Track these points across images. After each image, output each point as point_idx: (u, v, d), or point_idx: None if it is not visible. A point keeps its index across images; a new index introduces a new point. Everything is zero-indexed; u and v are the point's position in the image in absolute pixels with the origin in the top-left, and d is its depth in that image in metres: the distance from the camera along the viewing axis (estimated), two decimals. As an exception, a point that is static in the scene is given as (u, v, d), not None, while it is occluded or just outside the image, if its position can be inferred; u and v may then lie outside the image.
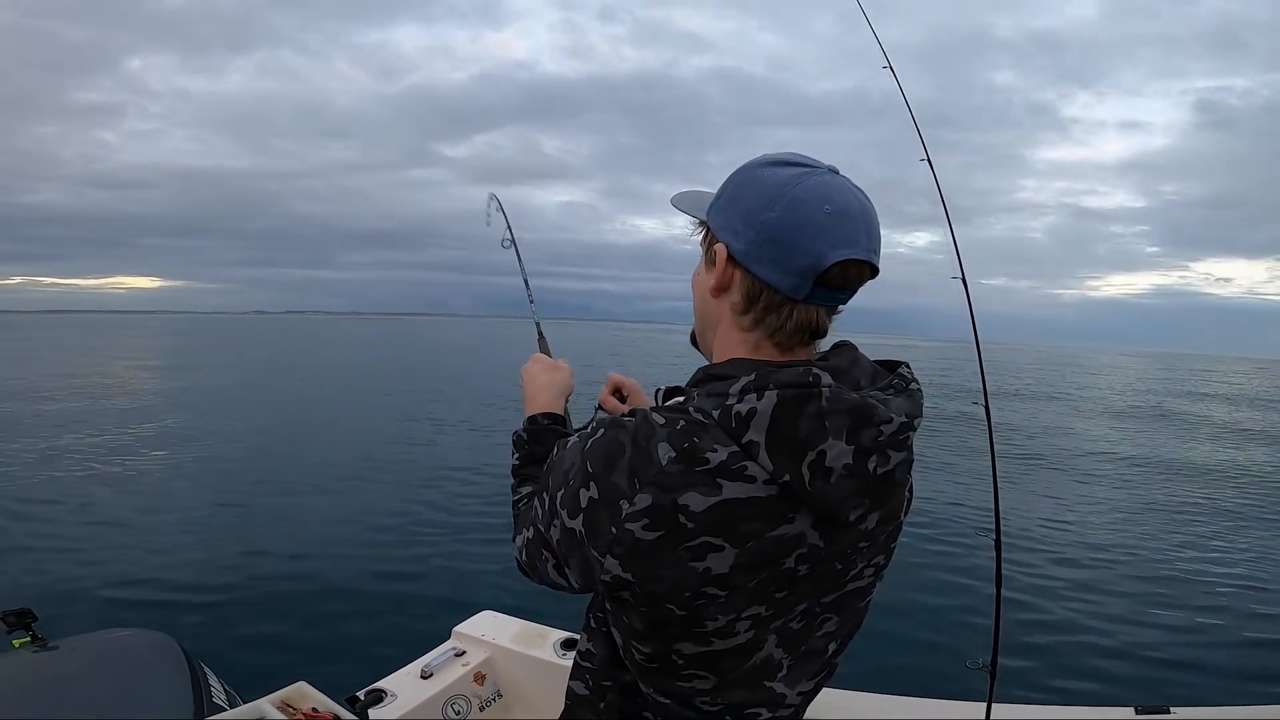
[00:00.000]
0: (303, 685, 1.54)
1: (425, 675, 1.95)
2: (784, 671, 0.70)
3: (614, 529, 0.61)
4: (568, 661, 1.10)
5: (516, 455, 0.92)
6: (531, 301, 1.31)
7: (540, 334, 1.24)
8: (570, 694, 0.84)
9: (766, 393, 0.60)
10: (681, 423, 0.61)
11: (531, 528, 0.75)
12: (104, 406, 14.01)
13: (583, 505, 0.64)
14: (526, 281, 1.35)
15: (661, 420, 0.62)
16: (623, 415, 0.68)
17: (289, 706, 1.46)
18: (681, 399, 0.68)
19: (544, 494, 0.73)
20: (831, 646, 0.75)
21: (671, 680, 0.69)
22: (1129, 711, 1.68)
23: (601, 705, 0.79)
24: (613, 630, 0.72)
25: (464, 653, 2.06)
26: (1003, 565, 1.51)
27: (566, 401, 1.03)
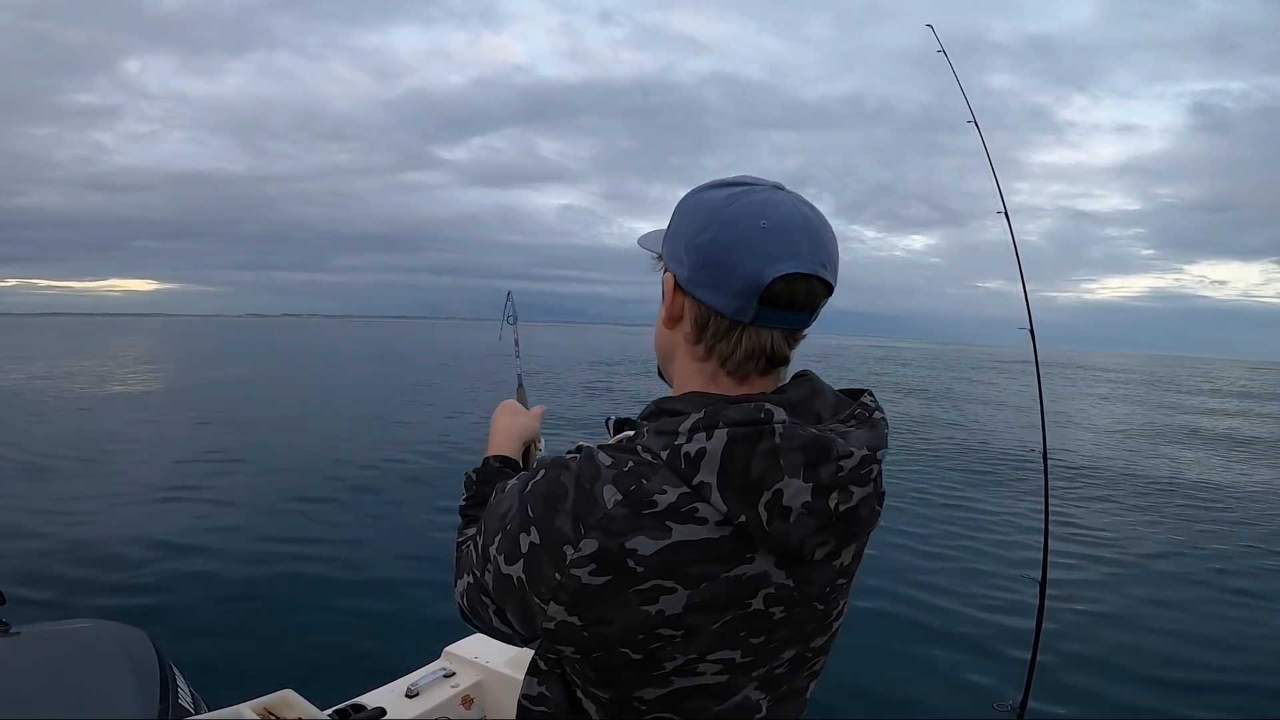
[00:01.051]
0: (289, 693, 1.50)
1: (411, 694, 1.90)
2: (762, 713, 0.68)
3: (558, 574, 0.59)
4: None
5: (465, 495, 0.90)
6: (518, 357, 1.35)
7: (520, 383, 1.28)
8: None
9: (716, 431, 0.57)
10: (630, 463, 0.59)
11: (469, 573, 0.73)
12: (108, 404, 13.99)
13: (523, 551, 0.61)
14: (516, 342, 1.39)
15: (608, 461, 0.60)
16: (567, 454, 0.64)
17: (271, 714, 1.42)
18: (631, 434, 0.64)
19: (478, 538, 0.71)
20: (813, 685, 0.74)
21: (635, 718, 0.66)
22: None
23: None
24: (568, 672, 0.69)
25: (453, 674, 2.00)
26: (1045, 603, 1.46)
27: (530, 447, 1.04)
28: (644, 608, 0.58)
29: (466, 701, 1.96)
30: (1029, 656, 1.43)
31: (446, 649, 2.09)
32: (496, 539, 0.65)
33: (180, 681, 1.78)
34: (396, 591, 4.73)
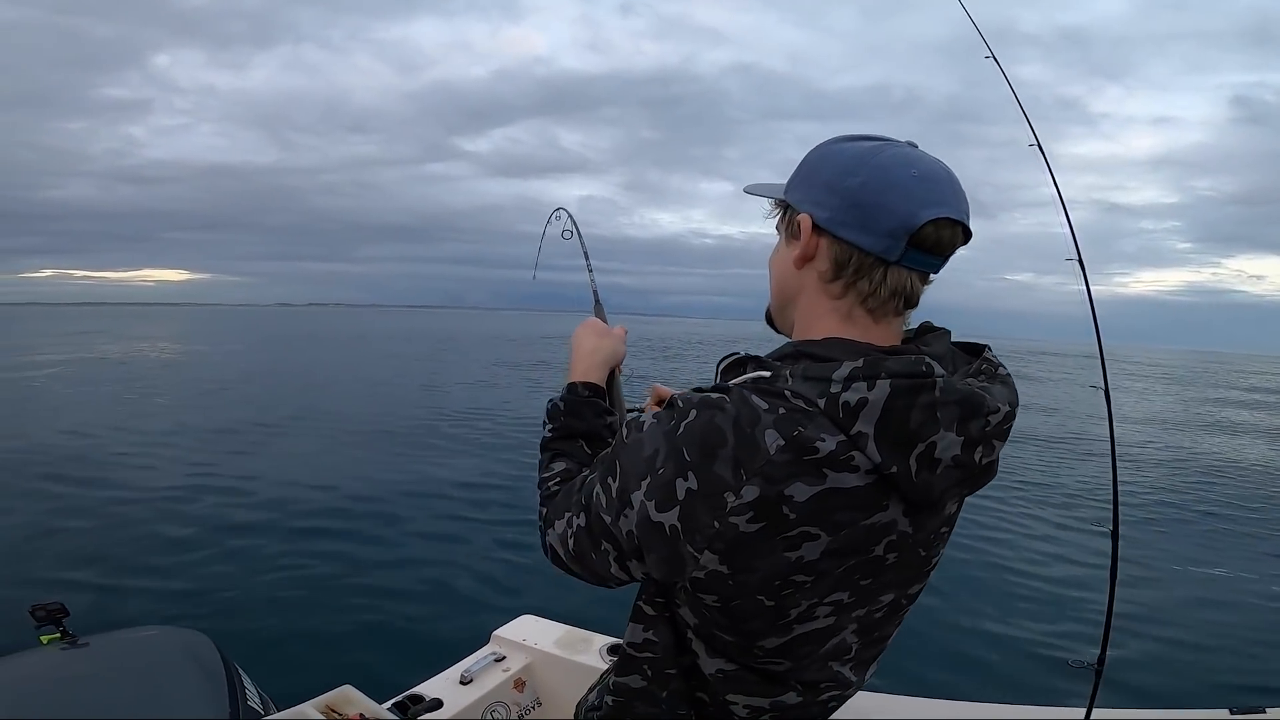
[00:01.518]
0: (348, 689, 1.51)
1: (465, 681, 1.92)
2: (850, 655, 0.72)
3: (716, 523, 0.59)
4: None
5: (550, 427, 0.87)
6: (590, 270, 1.27)
7: (596, 299, 1.20)
8: (621, 690, 0.81)
9: (878, 382, 0.58)
10: (782, 409, 0.59)
11: (581, 514, 0.71)
12: (148, 398, 14.34)
13: (679, 497, 0.61)
14: (586, 255, 1.33)
15: (764, 404, 0.59)
16: (712, 394, 0.62)
17: (334, 711, 1.44)
18: (767, 374, 0.64)
19: (608, 480, 0.69)
20: (894, 634, 0.76)
21: (747, 660, 0.69)
22: (1224, 713, 1.62)
23: (664, 694, 0.77)
24: (682, 614, 0.71)
25: (504, 658, 2.02)
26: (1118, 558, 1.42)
27: (615, 371, 0.99)
28: (786, 554, 0.60)
29: (519, 685, 1.98)
30: (1105, 609, 1.40)
31: (495, 633, 2.12)
32: (643, 483, 0.63)
33: (246, 682, 1.79)
34: (441, 579, 4.77)
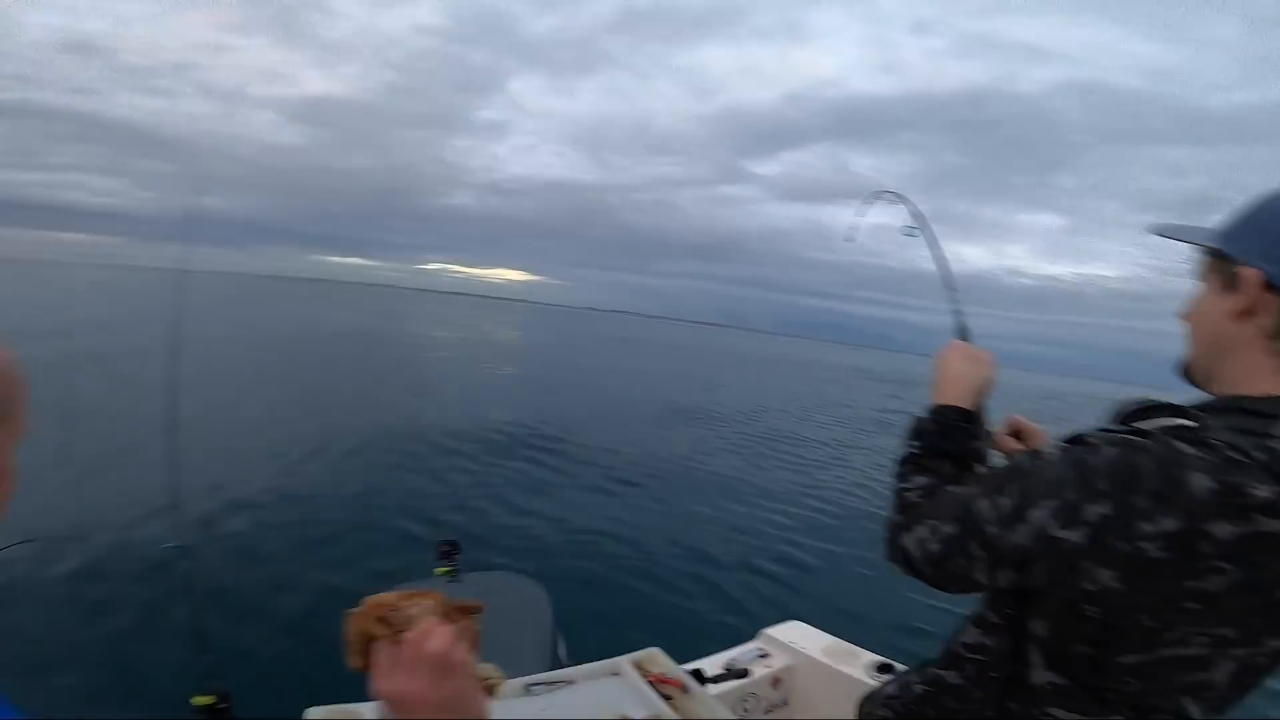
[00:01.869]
0: (655, 651, 1.67)
1: (729, 668, 2.04)
2: (1210, 691, 0.69)
3: (1124, 544, 0.63)
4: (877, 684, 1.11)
5: (917, 443, 0.91)
6: (954, 289, 1.21)
7: (961, 321, 1.14)
8: (934, 681, 0.89)
9: None
10: (1212, 458, 0.61)
11: (952, 524, 0.76)
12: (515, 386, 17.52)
13: (1087, 519, 0.64)
14: (942, 264, 1.25)
15: (1191, 451, 0.62)
16: (1128, 434, 0.67)
17: (641, 668, 1.61)
18: (1192, 424, 0.66)
19: (996, 497, 0.73)
20: (1260, 684, 0.73)
21: (1090, 678, 0.71)
22: None
23: (978, 694, 0.82)
24: (1032, 625, 0.75)
25: (768, 655, 2.11)
26: None
27: (982, 399, 0.96)
28: (1189, 583, 0.62)
29: (775, 682, 2.06)
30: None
31: (764, 631, 2.22)
32: (1047, 504, 0.67)
33: (561, 635, 2.08)
34: (726, 574, 5.19)
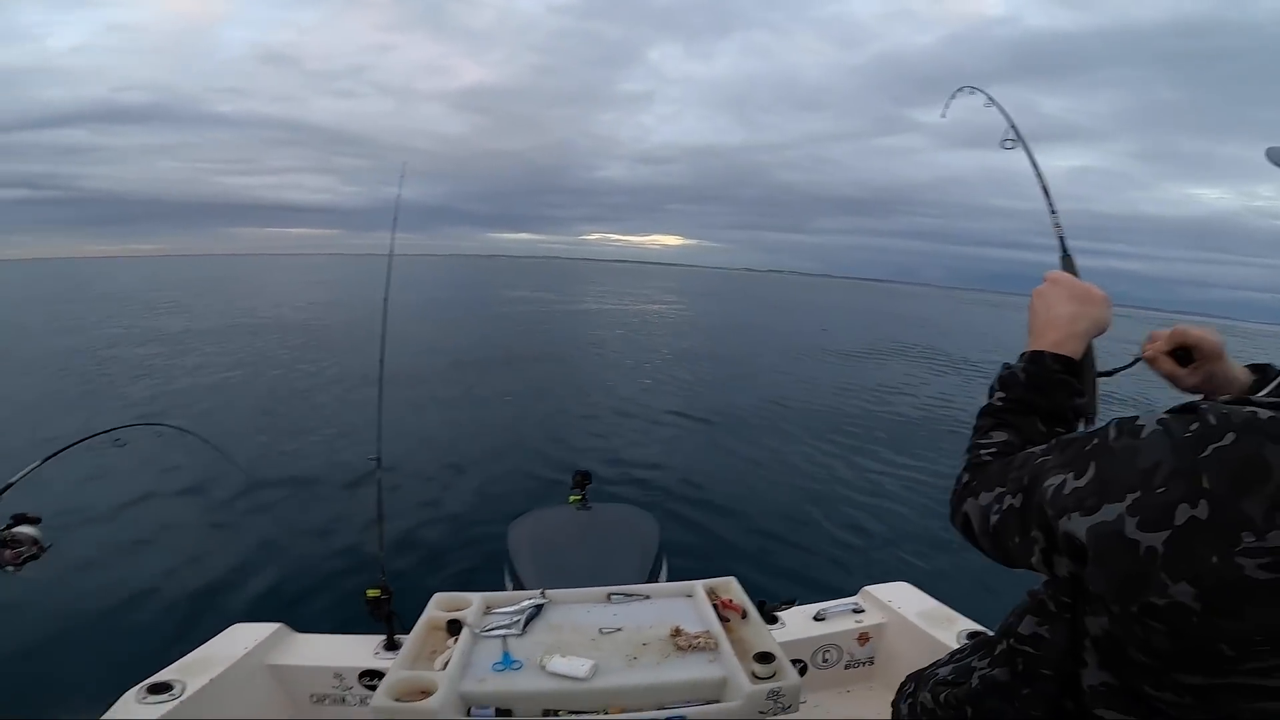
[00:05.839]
0: (730, 580, 1.78)
1: (818, 618, 2.13)
2: None
3: (1215, 558, 0.50)
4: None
5: (1001, 395, 0.79)
6: (1053, 212, 1.05)
7: (1065, 250, 0.97)
8: (981, 680, 0.80)
9: None
10: None
11: (1018, 495, 0.66)
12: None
13: (1176, 521, 0.52)
14: (1042, 181, 1.11)
15: None
16: (1263, 415, 0.53)
17: (714, 593, 1.73)
18: None
19: (1069, 475, 0.61)
20: None
21: (1150, 690, 0.61)
22: None
23: (1025, 692, 0.74)
24: (1087, 622, 0.65)
25: (862, 611, 2.15)
26: None
27: (1088, 345, 0.81)
28: None
29: (862, 638, 2.11)
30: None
31: (865, 589, 2.26)
32: (1127, 495, 0.56)
33: (664, 561, 2.34)
34: (836, 528, 5.33)
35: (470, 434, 7.72)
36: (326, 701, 1.89)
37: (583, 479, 2.83)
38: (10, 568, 1.36)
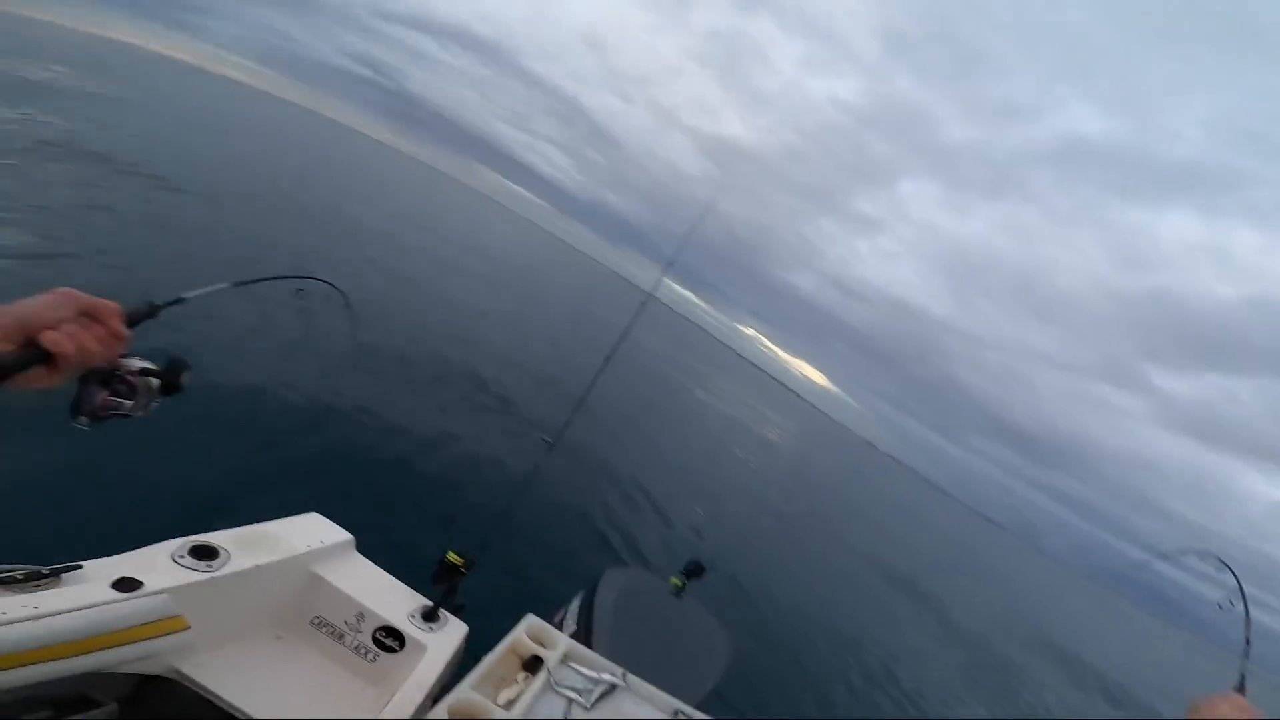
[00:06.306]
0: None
1: None
2: None
3: None
4: None
5: None
6: (1248, 643, 1.09)
7: (1244, 673, 1.01)
8: None
9: None
10: None
11: None
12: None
13: None
14: (1247, 633, 1.13)
15: None
16: None
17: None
18: None
19: None
20: None
21: None
22: None
23: None
24: None
25: None
26: None
27: None
28: None
29: None
30: None
31: None
32: None
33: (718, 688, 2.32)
34: None
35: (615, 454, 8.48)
36: (324, 631, 1.80)
37: (695, 569, 2.76)
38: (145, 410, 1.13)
